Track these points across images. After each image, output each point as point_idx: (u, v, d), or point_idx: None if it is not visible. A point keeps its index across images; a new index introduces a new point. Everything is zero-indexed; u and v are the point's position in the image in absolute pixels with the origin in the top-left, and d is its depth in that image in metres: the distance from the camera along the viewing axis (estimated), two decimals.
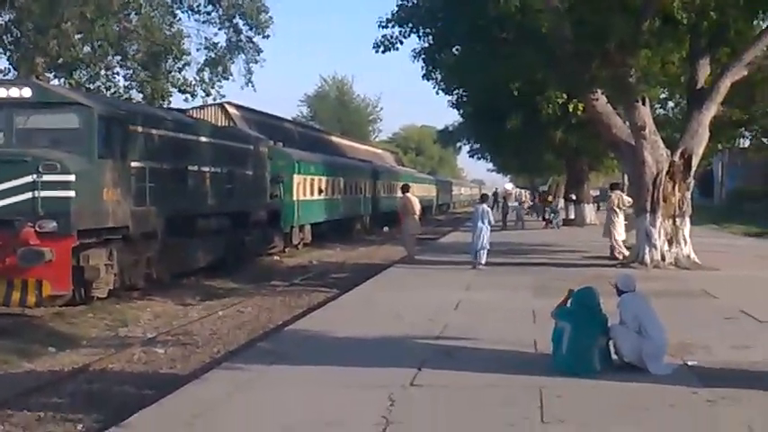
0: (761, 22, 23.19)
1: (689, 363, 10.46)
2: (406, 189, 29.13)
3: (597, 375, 9.76)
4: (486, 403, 8.80)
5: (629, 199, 27.77)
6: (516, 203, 55.44)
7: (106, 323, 18.40)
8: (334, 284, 24.37)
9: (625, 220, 26.96)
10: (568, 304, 10.44)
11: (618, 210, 26.85)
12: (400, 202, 27.88)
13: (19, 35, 31.56)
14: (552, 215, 49.49)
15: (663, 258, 22.76)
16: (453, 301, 16.45)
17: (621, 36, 21.47)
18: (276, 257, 34.58)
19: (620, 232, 26.49)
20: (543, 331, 11.04)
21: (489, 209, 26.09)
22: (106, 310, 19.62)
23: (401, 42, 28.16)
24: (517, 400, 8.80)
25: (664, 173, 22.95)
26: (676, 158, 23.13)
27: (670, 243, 23.09)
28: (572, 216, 49.96)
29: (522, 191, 65.22)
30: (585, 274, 17.99)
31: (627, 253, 25.27)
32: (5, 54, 32.21)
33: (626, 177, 32.32)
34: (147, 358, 14.98)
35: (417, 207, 27.04)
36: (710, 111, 23.35)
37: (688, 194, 23.74)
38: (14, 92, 20.19)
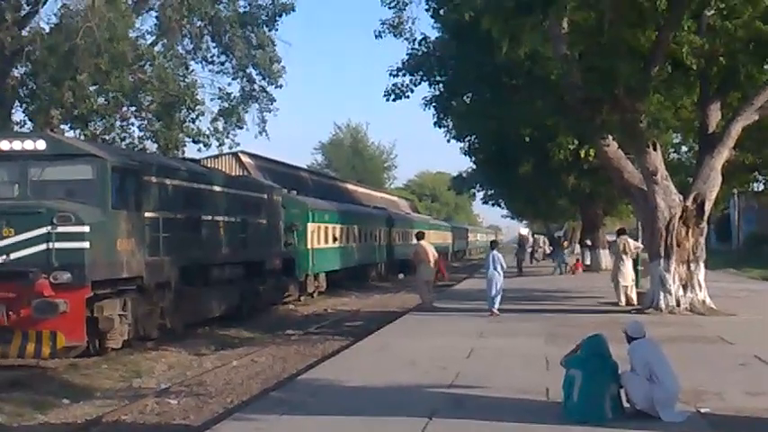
0: None
1: (702, 410, 10.31)
2: (420, 237, 29.07)
3: (609, 423, 9.62)
4: None
5: (637, 244, 27.85)
6: (530, 247, 55.32)
7: (120, 374, 18.35)
8: (348, 333, 24.30)
9: (642, 265, 26.84)
10: (579, 352, 10.34)
11: (624, 255, 26.70)
12: (413, 250, 27.76)
13: (35, 87, 31.79)
14: (559, 260, 49.28)
15: (678, 304, 22.57)
16: (466, 348, 16.32)
17: (630, 82, 21.49)
18: (291, 306, 34.55)
19: (626, 278, 26.26)
20: (555, 378, 10.90)
21: (501, 255, 26.04)
22: (120, 360, 19.57)
23: (412, 90, 28.34)
24: None
25: (677, 218, 22.84)
26: (689, 203, 23.02)
27: (685, 288, 22.91)
28: (587, 262, 49.71)
29: (541, 236, 65.08)
30: (599, 321, 17.83)
31: (634, 299, 25.23)
32: (21, 106, 32.47)
33: (638, 223, 32.14)
34: (160, 409, 14.91)
35: (431, 254, 26.88)
36: (722, 155, 23.27)
37: (702, 239, 23.59)
38: (29, 144, 20.32)
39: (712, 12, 21.60)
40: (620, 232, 29.71)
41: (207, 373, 18.49)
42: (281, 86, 36.94)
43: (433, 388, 12.11)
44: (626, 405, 10.03)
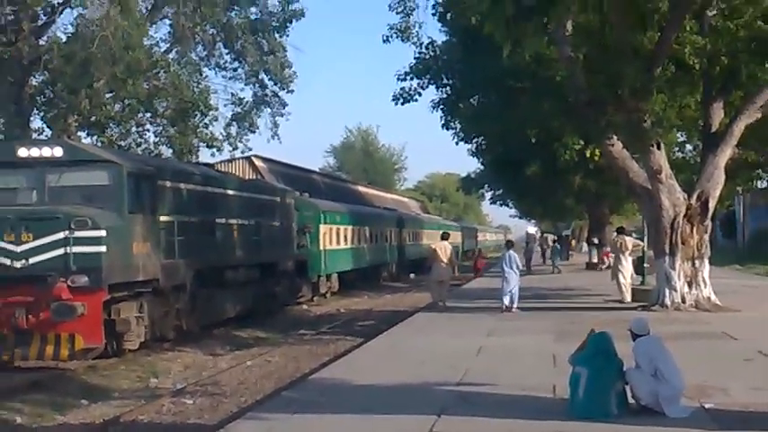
0: None
1: (706, 405, 10.30)
2: (443, 237, 28.96)
3: (614, 419, 9.63)
4: None
5: (635, 242, 28.25)
6: (539, 247, 55.29)
7: (137, 375, 18.43)
8: (360, 332, 24.34)
9: (648, 263, 26.83)
10: (584, 350, 10.38)
11: (622, 254, 26.88)
12: (432, 250, 27.58)
13: (52, 95, 31.90)
14: (554, 259, 49.67)
15: (683, 301, 22.55)
16: (475, 346, 16.32)
17: (634, 83, 21.49)
18: (304, 307, 34.60)
19: (626, 275, 26.48)
20: (563, 375, 10.92)
21: (516, 255, 26.09)
22: (137, 361, 19.65)
23: (419, 94, 28.37)
24: None
25: (681, 216, 22.83)
26: (693, 201, 23.01)
27: (690, 285, 22.89)
28: (594, 260, 49.55)
29: (549, 236, 65.14)
30: (605, 318, 17.81)
31: (628, 297, 25.46)
32: (39, 114, 32.56)
33: (643, 221, 32.09)
34: (176, 409, 14.97)
35: (444, 254, 26.66)
36: (725, 153, 23.27)
37: (706, 237, 23.57)
38: (46, 151, 20.41)
39: (714, 12, 21.62)
40: (619, 231, 29.85)
41: (222, 373, 18.58)
42: (292, 91, 37.08)
43: (442, 386, 12.11)
44: (631, 401, 10.05)
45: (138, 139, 33.79)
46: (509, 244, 28.56)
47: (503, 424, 9.74)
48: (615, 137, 23.57)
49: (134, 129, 33.91)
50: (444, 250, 26.71)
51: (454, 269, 27.37)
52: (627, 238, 28.03)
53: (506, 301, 23.66)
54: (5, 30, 31.27)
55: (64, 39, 32.13)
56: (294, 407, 11.47)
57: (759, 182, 35.02)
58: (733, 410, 10.09)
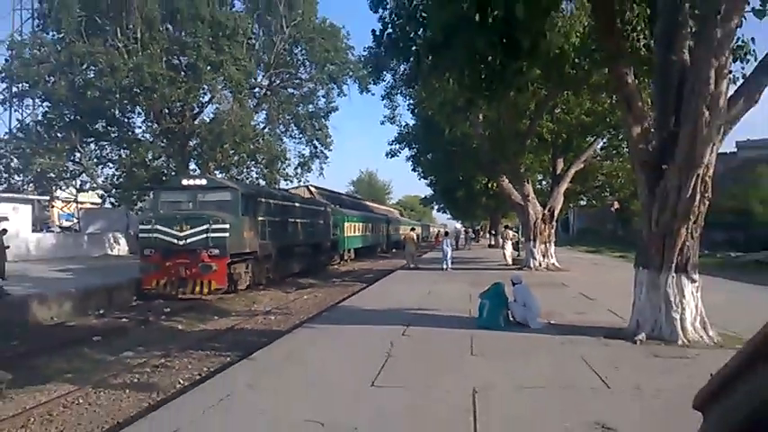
0: (590, 139, 23.24)
1: (552, 322, 10.33)
2: (412, 229, 29.76)
3: (502, 329, 9.68)
4: (441, 343, 8.71)
5: (513, 233, 28.96)
6: (463, 235, 55.08)
7: (245, 303, 18.43)
8: (365, 280, 24.30)
9: (521, 245, 26.91)
10: (488, 291, 10.40)
11: (505, 239, 27.83)
12: (406, 236, 28.00)
13: (201, 151, 31.86)
14: (467, 241, 49.39)
15: (540, 265, 22.62)
16: (427, 290, 16.30)
17: (515, 148, 21.59)
18: (335, 266, 34.54)
19: (507, 251, 26.86)
20: (474, 305, 10.92)
21: (451, 240, 26.37)
22: (245, 296, 19.64)
23: (399, 152, 28.44)
24: (458, 342, 8.71)
25: (539, 219, 22.90)
26: (546, 211, 23.09)
27: (543, 257, 22.95)
28: (492, 243, 49.56)
29: (467, 229, 64.94)
30: (498, 274, 17.81)
31: (510, 262, 25.47)
32: (194, 161, 32.57)
33: (519, 222, 32.14)
34: (266, 321, 15.04)
35: (413, 238, 27.27)
36: (563, 186, 23.38)
37: (552, 231, 23.63)
38: (197, 181, 20.61)
39: (558, 110, 21.68)
40: (506, 227, 30.87)
41: (290, 302, 18.58)
42: (331, 150, 37.12)
43: (409, 310, 12.11)
44: (511, 319, 10.12)
45: (246, 176, 33.72)
46: (446, 233, 28.60)
47: (441, 330, 9.75)
48: (505, 177, 23.63)
49: (244, 170, 33.85)
50: (412, 236, 27.09)
51: (417, 247, 27.76)
52: (509, 232, 28.61)
53: (444, 265, 23.65)
54: (177, 115, 31.22)
55: (208, 120, 32.12)
56: (329, 320, 11.51)
57: (581, 201, 35.23)
58: (566, 324, 10.13)
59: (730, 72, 7.94)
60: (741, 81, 8.57)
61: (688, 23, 8.30)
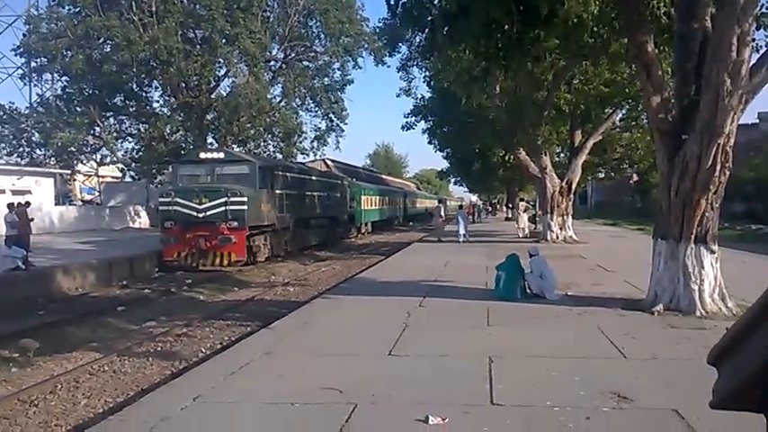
0: (608, 110, 22.89)
1: (568, 293, 10.33)
2: (441, 201, 31.17)
3: (518, 300, 9.70)
4: (457, 313, 8.76)
5: (527, 206, 29.18)
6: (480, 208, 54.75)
7: (264, 275, 18.61)
8: (382, 253, 24.40)
9: (538, 218, 26.79)
10: (504, 262, 10.40)
11: (520, 212, 27.75)
12: (434, 208, 28.75)
13: (217, 125, 31.92)
14: (478, 216, 48.28)
15: (557, 237, 22.55)
16: (444, 261, 16.33)
17: (532, 119, 21.35)
18: (352, 239, 34.66)
19: (522, 223, 26.78)
20: (490, 276, 10.96)
21: (465, 212, 26.53)
22: (264, 267, 19.83)
23: (416, 125, 28.26)
24: (475, 312, 8.75)
25: (557, 192, 22.75)
26: (564, 184, 22.92)
27: (560, 229, 22.86)
28: (509, 216, 49.32)
29: (483, 203, 64.46)
30: (514, 246, 17.77)
31: (521, 235, 25.42)
32: (211, 135, 32.61)
33: (536, 194, 31.93)
34: (284, 292, 15.19)
35: (440, 211, 28.14)
36: (581, 158, 23.15)
37: (570, 203, 23.50)
38: (215, 154, 20.72)
39: (576, 81, 21.35)
40: (521, 200, 30.77)
41: (308, 274, 18.72)
42: (346, 123, 36.86)
43: (426, 282, 12.18)
44: (528, 291, 10.12)
45: (263, 149, 33.72)
46: (461, 206, 28.83)
47: (458, 301, 9.81)
48: (522, 149, 23.42)
49: (261, 143, 33.85)
50: (439, 209, 28.24)
51: (443, 219, 28.65)
52: (522, 204, 29.04)
53: (460, 238, 23.66)
54: (194, 89, 31.22)
55: (224, 94, 32.08)
56: (347, 291, 11.61)
57: (599, 174, 34.91)
58: (583, 296, 10.13)
59: (753, 40, 7.75)
60: (764, 49, 8.37)
61: None
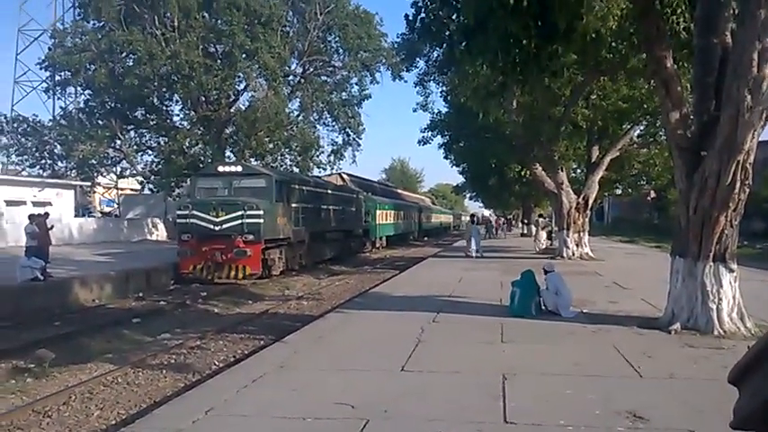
0: (626, 126, 22.75)
1: (584, 311, 10.20)
2: (472, 219, 31.33)
3: (533, 317, 9.60)
4: (472, 330, 8.67)
5: (545, 222, 29.15)
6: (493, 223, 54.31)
7: (278, 288, 18.58)
8: (396, 267, 24.27)
9: (554, 234, 26.58)
10: (519, 279, 10.30)
11: (537, 227, 27.85)
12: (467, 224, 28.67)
13: (236, 138, 32.21)
14: (488, 234, 47.17)
15: (573, 254, 22.30)
16: (458, 277, 16.25)
17: (549, 135, 21.26)
18: (367, 254, 34.59)
19: (539, 239, 26.67)
20: (505, 292, 10.85)
21: (477, 226, 26.39)
22: (278, 281, 19.80)
23: (432, 140, 28.29)
24: (489, 329, 8.67)
25: (573, 208, 22.53)
26: (580, 200, 22.72)
27: (577, 246, 22.60)
28: (525, 231, 48.96)
29: (499, 218, 64.18)
30: (530, 262, 17.66)
31: (538, 249, 25.38)
32: (229, 148, 32.90)
33: (552, 210, 31.70)
34: (298, 306, 15.15)
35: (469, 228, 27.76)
36: (598, 174, 22.92)
37: (587, 219, 23.28)
38: (233, 168, 20.83)
39: (594, 96, 21.25)
40: (539, 216, 30.29)
41: (323, 288, 18.69)
42: (362, 138, 37.00)
43: (440, 297, 12.11)
44: (543, 308, 10.00)
45: (281, 163, 33.92)
46: (473, 221, 28.79)
47: (472, 317, 9.70)
48: (538, 164, 23.29)
49: (279, 157, 34.07)
50: (468, 226, 28.35)
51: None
52: (541, 220, 28.48)
53: (474, 253, 23.54)
54: (213, 102, 31.58)
55: (243, 108, 32.38)
56: (361, 306, 11.55)
57: (616, 190, 34.64)
58: (599, 313, 9.99)
59: None
60: None
61: (730, 4, 8.03)
